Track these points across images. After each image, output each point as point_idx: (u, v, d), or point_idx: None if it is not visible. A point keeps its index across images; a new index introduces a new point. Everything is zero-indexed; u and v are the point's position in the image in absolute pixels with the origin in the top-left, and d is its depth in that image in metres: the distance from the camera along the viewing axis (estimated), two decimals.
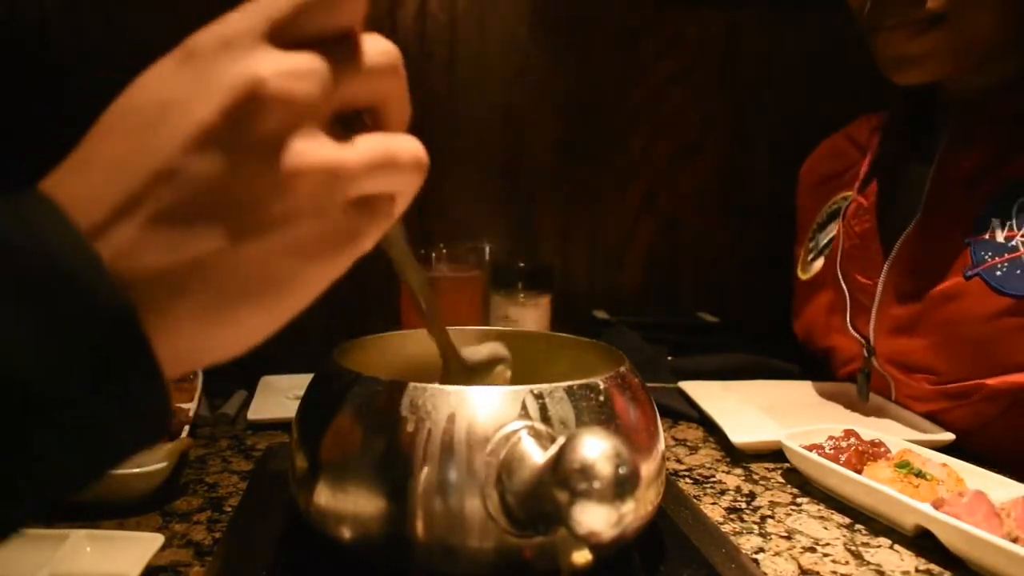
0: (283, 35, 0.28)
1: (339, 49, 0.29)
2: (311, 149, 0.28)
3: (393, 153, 0.31)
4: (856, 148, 1.01)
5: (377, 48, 0.30)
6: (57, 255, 0.25)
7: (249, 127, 0.27)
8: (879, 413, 0.87)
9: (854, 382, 0.91)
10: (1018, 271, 0.76)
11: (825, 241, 0.99)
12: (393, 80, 0.31)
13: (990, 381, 0.78)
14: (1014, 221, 0.77)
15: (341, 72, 0.29)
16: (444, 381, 0.51)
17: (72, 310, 0.25)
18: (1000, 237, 0.78)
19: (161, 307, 0.27)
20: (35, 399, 0.25)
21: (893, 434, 0.74)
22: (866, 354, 0.89)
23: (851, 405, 0.91)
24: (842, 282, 0.93)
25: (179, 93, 0.27)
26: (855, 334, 0.91)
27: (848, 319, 0.91)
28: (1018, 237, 0.77)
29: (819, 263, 0.99)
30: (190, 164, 0.26)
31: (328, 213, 0.29)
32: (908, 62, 0.81)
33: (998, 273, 0.77)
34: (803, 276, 1.01)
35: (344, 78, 0.29)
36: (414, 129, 0.34)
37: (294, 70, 0.27)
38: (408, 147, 0.31)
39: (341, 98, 0.29)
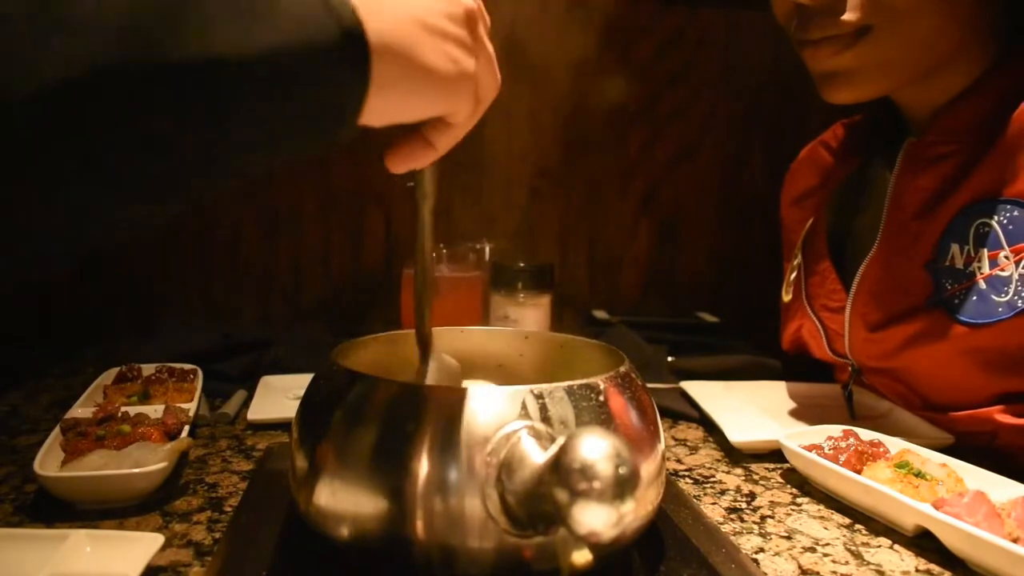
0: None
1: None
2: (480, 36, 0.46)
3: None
4: (832, 157, 0.97)
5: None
6: None
7: (466, 17, 0.45)
8: (878, 414, 0.87)
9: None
10: (974, 297, 0.74)
11: (794, 270, 0.97)
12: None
13: (956, 415, 0.78)
14: (971, 246, 0.75)
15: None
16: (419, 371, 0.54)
17: (319, 18, 0.35)
18: (959, 263, 0.76)
19: (380, 52, 0.38)
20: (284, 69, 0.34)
21: (892, 435, 0.74)
22: (851, 372, 0.89)
23: None
24: (811, 313, 0.92)
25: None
26: (836, 358, 0.90)
27: (826, 344, 0.91)
28: (975, 262, 0.75)
29: (791, 291, 0.97)
30: (445, 6, 0.44)
31: (468, 67, 0.45)
32: (837, 78, 0.77)
33: (956, 301, 0.75)
34: (785, 298, 1.00)
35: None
36: None
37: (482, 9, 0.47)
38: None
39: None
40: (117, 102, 0.29)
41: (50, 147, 0.28)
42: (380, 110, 0.40)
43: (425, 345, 0.55)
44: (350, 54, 0.36)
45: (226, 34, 0.32)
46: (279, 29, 0.33)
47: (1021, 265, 0.72)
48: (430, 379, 0.54)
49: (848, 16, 0.73)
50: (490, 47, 0.48)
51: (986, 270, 0.74)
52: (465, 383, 0.59)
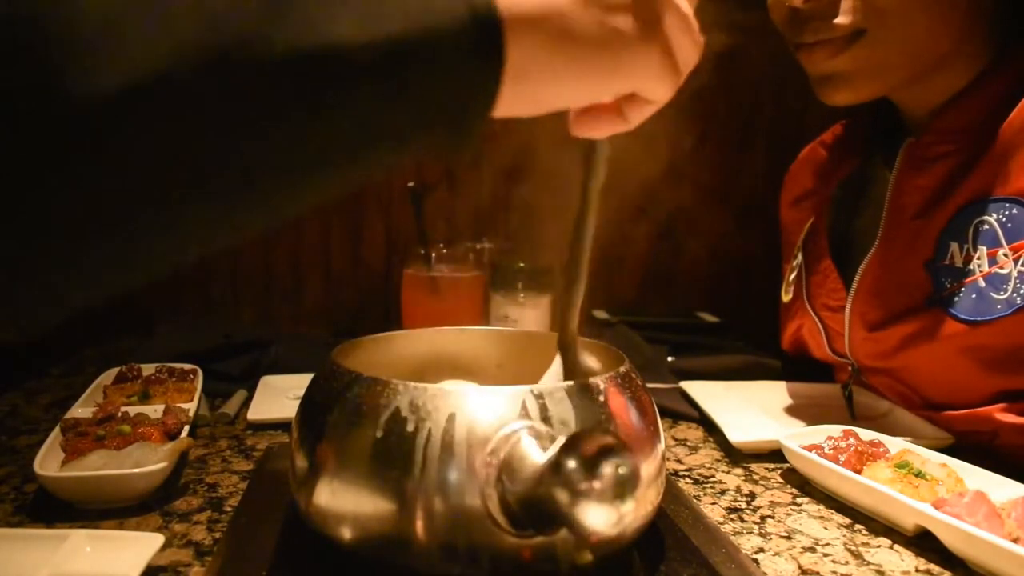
0: None
1: None
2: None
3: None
4: (831, 158, 0.98)
5: None
6: None
7: None
8: (878, 414, 0.87)
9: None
10: (974, 296, 0.74)
11: (794, 270, 0.97)
12: None
13: (956, 414, 0.78)
14: (970, 244, 0.75)
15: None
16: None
17: (448, 2, 0.31)
18: (959, 261, 0.76)
19: (518, 34, 0.33)
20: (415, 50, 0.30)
21: (892, 435, 0.74)
22: (851, 372, 0.89)
23: None
24: (811, 312, 0.92)
25: None
26: (836, 357, 0.90)
27: (826, 344, 0.91)
28: (975, 260, 0.75)
29: (791, 291, 0.98)
30: None
31: (655, 27, 0.38)
32: (833, 80, 0.77)
33: (955, 299, 0.76)
34: (784, 298, 1.00)
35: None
36: None
37: None
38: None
39: None
40: (210, 99, 0.27)
41: (138, 149, 0.26)
42: (525, 100, 0.36)
43: (567, 346, 0.52)
44: (479, 39, 0.32)
45: (338, 21, 0.28)
46: (400, 14, 0.29)
47: (1020, 262, 0.72)
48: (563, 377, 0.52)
49: (841, 20, 0.74)
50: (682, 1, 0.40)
51: (985, 268, 0.74)
52: (465, 383, 0.59)
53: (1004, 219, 0.73)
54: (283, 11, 0.27)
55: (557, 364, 0.52)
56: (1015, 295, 0.72)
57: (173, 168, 0.27)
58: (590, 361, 0.55)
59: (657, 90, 0.40)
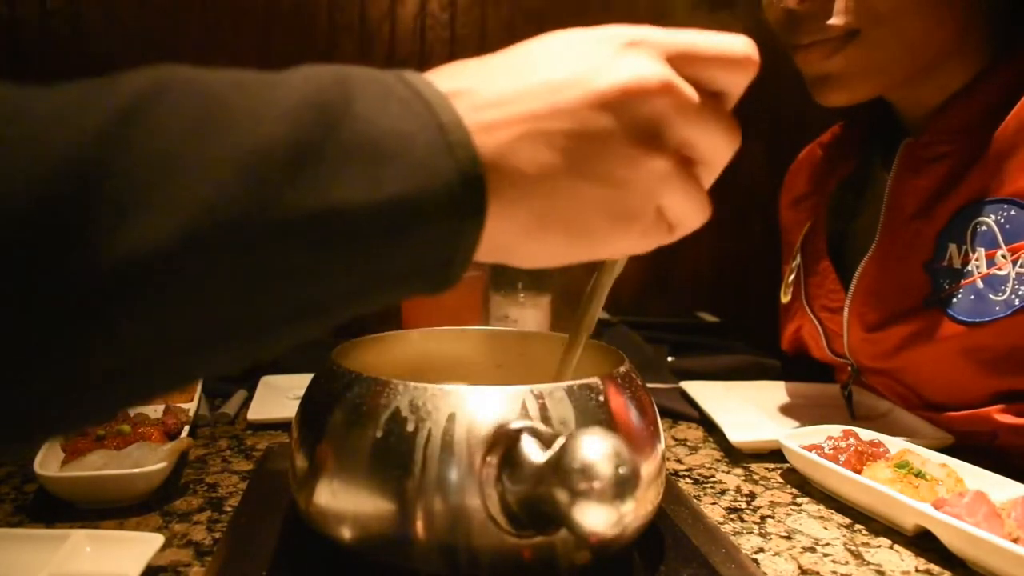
0: (678, 64, 0.36)
1: (712, 99, 0.37)
2: (664, 148, 0.36)
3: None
4: (830, 158, 0.97)
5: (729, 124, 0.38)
6: (439, 115, 0.32)
7: (639, 106, 0.35)
8: (878, 414, 0.87)
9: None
10: (972, 297, 0.74)
11: (793, 271, 0.97)
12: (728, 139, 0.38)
13: (955, 414, 0.78)
14: (969, 245, 0.75)
15: (706, 112, 0.36)
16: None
17: (438, 161, 0.31)
18: (957, 263, 0.76)
19: (501, 199, 0.33)
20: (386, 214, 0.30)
21: (892, 435, 0.74)
22: (850, 372, 0.89)
23: None
24: (810, 313, 0.92)
25: (596, 60, 0.35)
26: (836, 358, 0.91)
27: (825, 345, 0.91)
28: (973, 261, 0.75)
29: (791, 292, 0.98)
30: (586, 113, 0.34)
31: (648, 202, 0.36)
32: (829, 81, 0.77)
33: (954, 300, 0.76)
34: (784, 299, 1.00)
35: (703, 118, 0.36)
36: None
37: (683, 85, 0.35)
38: (731, 133, 0.38)
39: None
40: (228, 253, 0.27)
41: (157, 300, 0.27)
42: (504, 256, 0.36)
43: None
44: (465, 203, 0.32)
45: (349, 182, 0.29)
46: (400, 176, 0.30)
47: (1018, 264, 0.72)
48: None
49: (834, 21, 0.73)
50: (705, 139, 0.37)
51: (984, 269, 0.74)
52: (465, 383, 0.59)
53: (1002, 220, 0.73)
54: (299, 173, 0.28)
55: None
56: (1013, 296, 0.72)
57: (191, 324, 0.28)
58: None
59: (641, 251, 0.39)
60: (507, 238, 0.35)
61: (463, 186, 0.31)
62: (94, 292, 0.26)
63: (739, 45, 0.37)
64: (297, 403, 0.54)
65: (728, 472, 0.74)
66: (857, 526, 0.63)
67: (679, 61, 0.36)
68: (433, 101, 0.32)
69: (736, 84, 0.38)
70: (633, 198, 0.36)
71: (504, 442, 0.44)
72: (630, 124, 0.34)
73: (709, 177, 0.39)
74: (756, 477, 0.73)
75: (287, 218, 0.28)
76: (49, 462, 0.65)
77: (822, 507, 0.67)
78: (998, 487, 0.62)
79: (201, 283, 0.27)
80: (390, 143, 0.30)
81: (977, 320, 0.74)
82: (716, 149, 0.37)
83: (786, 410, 0.91)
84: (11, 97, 0.26)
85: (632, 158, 0.35)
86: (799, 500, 0.68)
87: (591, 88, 0.34)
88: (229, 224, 0.27)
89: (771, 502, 0.67)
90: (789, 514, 0.65)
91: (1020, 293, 0.71)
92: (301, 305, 0.31)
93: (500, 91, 0.34)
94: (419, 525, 0.44)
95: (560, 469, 0.37)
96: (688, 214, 0.38)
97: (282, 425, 0.83)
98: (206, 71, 0.29)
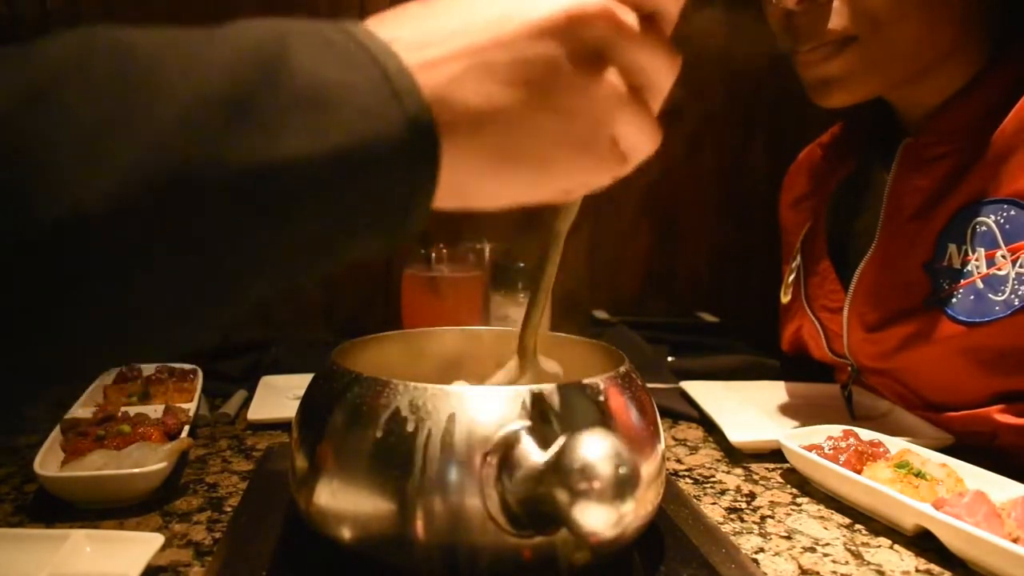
0: None
1: (650, 22, 0.37)
2: (609, 74, 0.36)
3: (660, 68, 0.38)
4: (829, 159, 0.98)
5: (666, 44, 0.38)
6: (382, 63, 0.31)
7: (581, 32, 0.35)
8: (878, 414, 0.87)
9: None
10: (972, 297, 0.74)
11: (793, 271, 0.97)
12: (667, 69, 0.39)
13: (955, 415, 0.78)
14: (969, 245, 0.75)
15: (646, 36, 0.37)
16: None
17: (384, 109, 0.30)
18: (957, 263, 0.76)
19: (454, 139, 0.33)
20: (342, 160, 0.29)
21: (892, 435, 0.74)
22: (850, 372, 0.89)
23: None
24: (810, 313, 0.92)
25: None
26: (836, 358, 0.91)
27: (825, 345, 0.91)
28: (973, 261, 0.75)
29: (791, 292, 0.98)
30: (527, 42, 0.34)
31: (600, 129, 0.37)
32: (829, 84, 0.78)
33: (954, 300, 0.76)
34: (784, 299, 1.00)
35: (644, 42, 0.37)
36: None
37: (623, 12, 0.36)
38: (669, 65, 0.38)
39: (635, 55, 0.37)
40: (168, 214, 0.27)
41: (95, 266, 0.26)
42: (464, 198, 0.36)
43: (525, 354, 0.54)
44: (417, 148, 0.31)
45: (291, 135, 0.28)
46: (345, 125, 0.29)
47: (1018, 264, 0.72)
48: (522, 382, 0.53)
49: (833, 24, 0.74)
50: (648, 62, 0.37)
51: (983, 269, 0.74)
52: (465, 383, 0.58)
53: (1002, 220, 0.73)
54: (238, 128, 0.28)
55: (511, 364, 0.53)
56: (1013, 296, 0.72)
57: (134, 290, 0.27)
58: (551, 364, 0.56)
59: (599, 183, 0.39)
60: (464, 179, 0.34)
61: (412, 132, 0.31)
62: (19, 262, 0.25)
63: None
64: (297, 403, 0.54)
65: (728, 472, 0.74)
66: (857, 526, 0.63)
67: None
68: (375, 49, 0.31)
69: (671, 4, 0.38)
70: (585, 125, 0.36)
71: (504, 442, 0.44)
72: (573, 51, 0.35)
73: (655, 103, 0.39)
74: (756, 477, 0.73)
75: (228, 175, 0.27)
76: (49, 462, 0.65)
77: (822, 507, 0.67)
78: (998, 487, 0.62)
79: (139, 247, 0.26)
80: (333, 93, 0.29)
81: (977, 320, 0.74)
82: (659, 72, 0.38)
83: (786, 410, 0.91)
84: None
85: (579, 86, 0.35)
86: (799, 500, 0.68)
87: (531, 17, 0.34)
88: (165, 184, 0.26)
89: (771, 502, 0.67)
90: (789, 514, 0.65)
91: (1020, 293, 0.71)
92: (256, 263, 0.30)
93: (441, 29, 0.33)
94: (419, 525, 0.44)
95: (560, 469, 0.37)
96: (640, 140, 0.38)
97: (282, 425, 0.83)
98: (137, 30, 0.29)
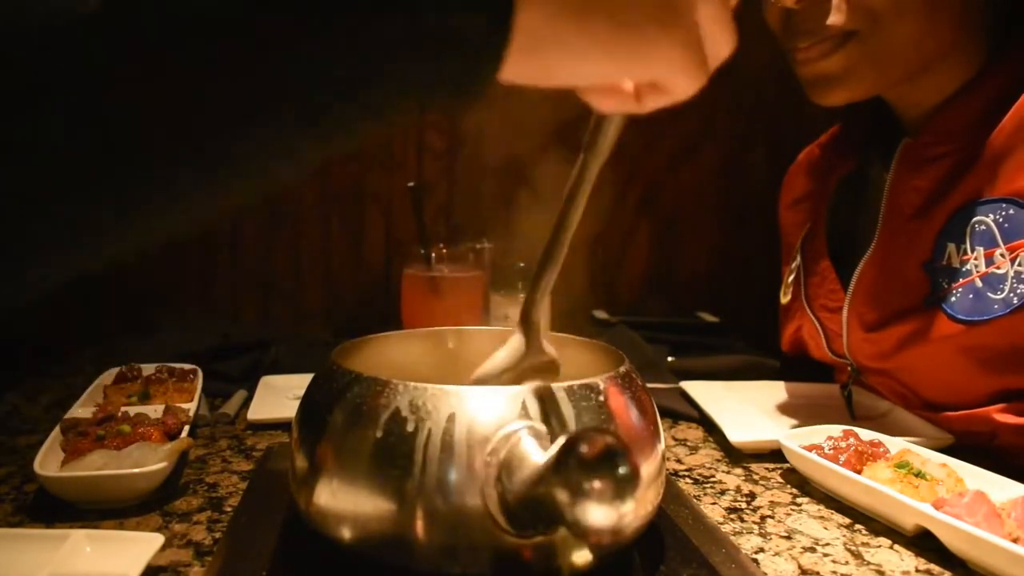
0: None
1: None
2: None
3: None
4: (829, 159, 0.97)
5: None
6: None
7: None
8: (878, 414, 0.87)
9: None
10: (971, 296, 0.74)
11: (793, 271, 0.97)
12: None
13: (955, 414, 0.78)
14: (968, 244, 0.75)
15: None
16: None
17: None
18: (956, 262, 0.76)
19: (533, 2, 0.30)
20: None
21: (892, 435, 0.74)
22: (850, 372, 0.89)
23: None
24: (810, 313, 0.92)
25: None
26: (835, 358, 0.91)
27: (825, 345, 0.91)
28: (972, 260, 0.75)
29: (790, 292, 0.98)
30: None
31: (687, 7, 0.35)
32: (828, 81, 0.78)
33: (953, 299, 0.76)
34: (783, 300, 1.00)
35: None
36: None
37: None
38: None
39: None
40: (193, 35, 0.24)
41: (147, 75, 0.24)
42: (534, 68, 0.33)
43: (530, 325, 0.50)
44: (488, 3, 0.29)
45: None
46: None
47: (1016, 262, 0.72)
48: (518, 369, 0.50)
49: (832, 20, 0.74)
50: None
51: (982, 268, 0.74)
52: (465, 383, 0.59)
53: (1001, 219, 0.73)
54: None
55: (515, 341, 0.50)
56: (1012, 295, 0.72)
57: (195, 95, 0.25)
58: (550, 348, 0.52)
59: (680, 83, 0.37)
60: (543, 25, 0.31)
61: None
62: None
63: None
64: (297, 403, 0.54)
65: (728, 472, 0.74)
66: (857, 526, 0.63)
67: None
68: None
69: None
70: (661, 9, 0.34)
71: (504, 442, 0.44)
72: None
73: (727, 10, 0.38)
74: (756, 477, 0.73)
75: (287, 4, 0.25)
76: (49, 462, 0.65)
77: (822, 507, 0.67)
78: (998, 487, 0.62)
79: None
80: None
81: (976, 319, 0.74)
82: None
83: (786, 410, 0.91)
84: None
85: None
86: (799, 500, 0.68)
87: None
88: None
89: (771, 502, 0.67)
90: (789, 514, 0.65)
91: (1018, 291, 0.71)
92: (324, 80, 0.27)
93: None
94: (419, 525, 0.44)
95: (560, 469, 0.37)
96: (721, 37, 0.37)
97: (282, 425, 0.83)
98: None
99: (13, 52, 0.23)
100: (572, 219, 0.48)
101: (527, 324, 0.51)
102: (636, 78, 0.37)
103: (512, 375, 0.50)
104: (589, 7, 0.32)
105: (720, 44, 0.38)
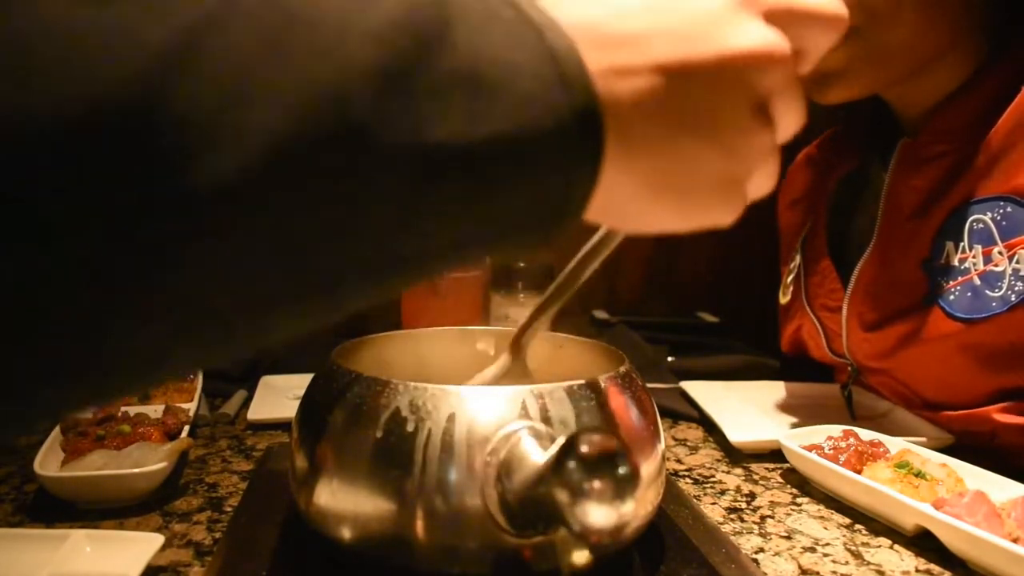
0: (779, 21, 0.34)
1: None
2: (771, 120, 0.35)
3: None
4: (828, 159, 0.98)
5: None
6: (552, 45, 0.28)
7: (760, 75, 0.33)
8: (878, 414, 0.87)
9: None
10: (969, 294, 0.75)
11: (792, 271, 0.97)
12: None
13: (955, 414, 0.79)
14: (966, 242, 0.76)
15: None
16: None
17: (551, 96, 0.27)
18: (955, 260, 0.77)
19: (618, 148, 0.30)
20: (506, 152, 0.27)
21: (892, 435, 0.74)
22: (850, 372, 0.89)
23: None
24: (810, 312, 0.92)
25: (716, 14, 0.32)
26: (835, 357, 0.91)
27: (825, 344, 0.91)
28: (970, 259, 0.75)
29: (790, 292, 0.98)
30: (715, 71, 0.32)
31: (751, 174, 0.35)
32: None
33: (951, 298, 0.76)
34: (783, 300, 1.00)
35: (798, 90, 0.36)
36: None
37: (789, 56, 0.34)
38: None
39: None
40: (292, 200, 0.24)
41: (202, 254, 0.23)
42: (606, 212, 0.33)
43: (516, 355, 0.53)
44: (580, 142, 0.28)
45: (442, 119, 0.25)
46: (504, 111, 0.26)
47: (1014, 260, 0.72)
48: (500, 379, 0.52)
49: None
50: (788, 112, 0.35)
51: (980, 266, 0.74)
52: (465, 383, 0.59)
53: (999, 217, 0.73)
54: (389, 104, 0.25)
55: (502, 361, 0.53)
56: (1010, 292, 0.72)
57: (259, 275, 0.25)
58: (531, 365, 0.55)
59: (726, 222, 0.36)
60: (620, 195, 0.32)
61: (578, 124, 0.28)
62: (149, 234, 0.22)
63: (832, 1, 0.36)
64: (297, 403, 0.54)
65: (728, 472, 0.74)
66: (857, 526, 0.63)
67: (781, 18, 0.34)
68: (545, 27, 0.28)
69: (822, 44, 0.37)
70: (742, 169, 0.34)
71: (504, 442, 0.44)
72: (751, 91, 0.33)
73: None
74: (756, 477, 0.73)
75: (370, 155, 0.25)
76: (49, 462, 0.65)
77: (822, 507, 0.67)
78: (998, 487, 0.62)
79: (269, 226, 0.24)
80: (493, 73, 0.26)
81: (974, 316, 0.74)
82: (795, 120, 0.36)
83: (786, 410, 0.91)
84: (63, 13, 0.22)
85: (749, 128, 0.33)
86: (799, 500, 0.68)
87: (724, 45, 0.32)
88: (300, 160, 0.24)
89: (771, 502, 0.67)
90: (789, 514, 0.65)
91: (1016, 289, 0.71)
92: (385, 255, 0.27)
93: (626, 28, 0.30)
94: (419, 525, 0.44)
95: (560, 469, 0.37)
96: (769, 184, 0.37)
97: (282, 425, 0.83)
98: None
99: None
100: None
101: (516, 348, 0.53)
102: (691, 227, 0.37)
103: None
104: (661, 185, 0.33)
105: (766, 189, 0.38)
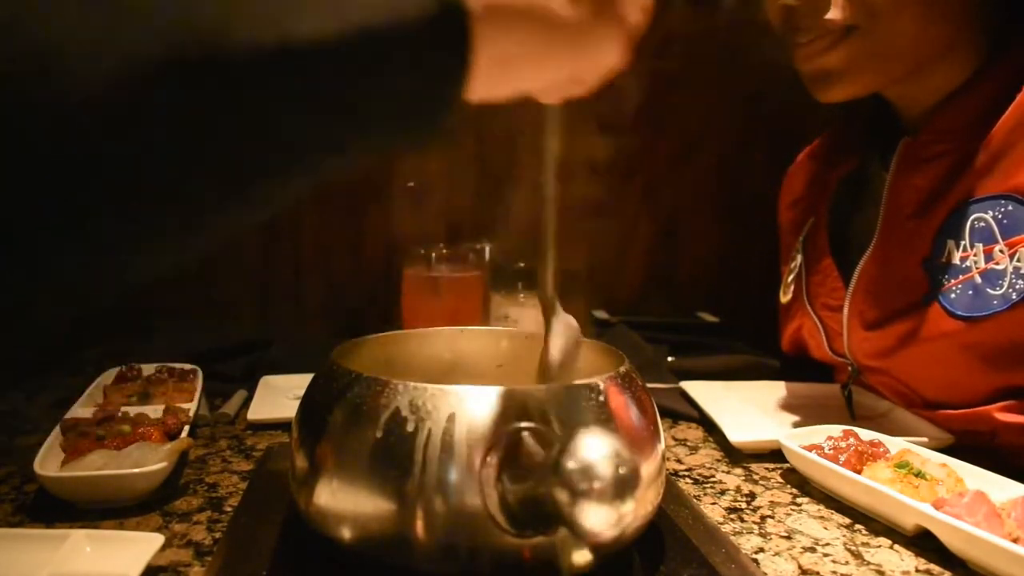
0: None
1: None
2: None
3: None
4: (829, 158, 0.98)
5: None
6: None
7: None
8: (878, 414, 0.87)
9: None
10: (970, 292, 0.75)
11: (793, 271, 0.97)
12: None
13: (955, 413, 0.79)
14: (967, 241, 0.76)
15: None
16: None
17: None
18: (956, 259, 0.77)
19: (488, 26, 0.33)
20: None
21: (892, 435, 0.74)
22: (850, 372, 0.89)
23: None
24: (811, 312, 0.92)
25: None
26: (836, 357, 0.91)
27: (825, 344, 0.91)
28: (971, 257, 0.75)
29: (791, 291, 0.98)
30: None
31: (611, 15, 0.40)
32: (828, 76, 0.78)
33: (952, 296, 0.76)
34: (783, 299, 1.00)
35: None
36: None
37: None
38: None
39: None
40: (174, 99, 0.26)
41: (106, 154, 0.25)
42: (494, 86, 0.36)
43: (548, 309, 0.55)
44: (446, 29, 0.31)
45: (304, 17, 0.27)
46: (366, 5, 0.29)
47: (1015, 258, 0.72)
48: (554, 340, 0.54)
49: (832, 15, 0.74)
50: None
51: (981, 264, 0.74)
52: (465, 383, 0.59)
53: (1000, 216, 0.73)
54: (251, 7, 0.27)
55: (557, 326, 0.54)
56: (1011, 290, 0.72)
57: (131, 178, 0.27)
58: (572, 320, 0.56)
59: (613, 62, 0.42)
60: (495, 61, 0.34)
61: (443, 14, 0.30)
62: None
63: None
64: (297, 403, 0.54)
65: (728, 472, 0.74)
66: (857, 526, 0.63)
67: None
68: None
69: None
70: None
71: (504, 442, 0.44)
72: None
73: None
74: (756, 477, 0.73)
75: (237, 58, 0.26)
76: (49, 462, 0.65)
77: (822, 507, 0.67)
78: (998, 487, 0.62)
79: (145, 126, 0.26)
80: None
81: (975, 315, 0.74)
82: None
83: (786, 410, 0.91)
84: None
85: None
86: (799, 500, 0.68)
87: None
88: (166, 67, 0.26)
89: (771, 502, 0.67)
90: (789, 514, 0.65)
91: (1017, 287, 0.71)
92: (276, 155, 0.29)
93: None
94: (419, 525, 0.44)
95: (560, 469, 0.37)
96: (637, 13, 0.43)
97: (282, 425, 0.83)
98: None
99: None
100: (550, 208, 0.54)
101: (545, 306, 0.54)
102: (580, 70, 0.42)
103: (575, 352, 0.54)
104: (536, 20, 0.36)
105: (638, 18, 0.42)
